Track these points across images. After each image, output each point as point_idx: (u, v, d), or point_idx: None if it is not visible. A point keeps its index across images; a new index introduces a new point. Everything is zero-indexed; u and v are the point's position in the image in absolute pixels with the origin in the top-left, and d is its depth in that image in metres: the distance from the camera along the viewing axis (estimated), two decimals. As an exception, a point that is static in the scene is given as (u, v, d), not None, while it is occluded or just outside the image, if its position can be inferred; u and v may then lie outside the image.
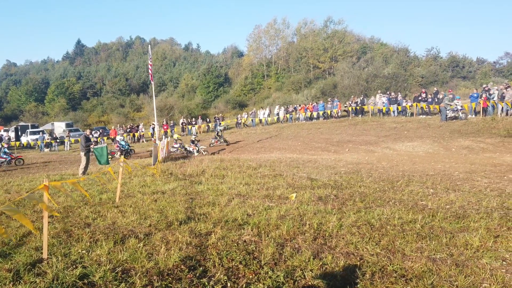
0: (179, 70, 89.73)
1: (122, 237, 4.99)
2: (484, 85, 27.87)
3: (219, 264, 3.94)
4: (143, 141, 34.23)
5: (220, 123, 32.25)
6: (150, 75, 19.18)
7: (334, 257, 4.13)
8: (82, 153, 13.43)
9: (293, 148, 20.93)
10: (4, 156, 21.08)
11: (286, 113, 36.99)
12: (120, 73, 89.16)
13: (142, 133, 35.43)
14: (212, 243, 4.58)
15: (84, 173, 13.08)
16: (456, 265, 3.86)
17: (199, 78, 76.75)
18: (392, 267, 3.85)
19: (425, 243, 4.54)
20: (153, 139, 28.42)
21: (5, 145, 27.40)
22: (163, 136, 26.72)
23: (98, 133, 35.70)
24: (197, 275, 3.72)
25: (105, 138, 34.55)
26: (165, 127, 35.01)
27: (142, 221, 5.81)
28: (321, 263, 3.97)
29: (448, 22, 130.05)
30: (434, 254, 4.18)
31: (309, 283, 3.53)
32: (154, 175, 10.77)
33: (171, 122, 39.19)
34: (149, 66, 18.86)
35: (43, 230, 4.33)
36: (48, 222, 4.93)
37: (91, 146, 14.20)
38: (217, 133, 26.05)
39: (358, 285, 3.46)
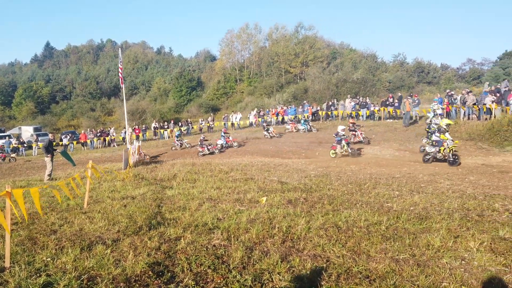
0: (151, 74, 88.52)
1: (89, 244, 4.88)
2: (447, 90, 28.79)
3: (188, 269, 3.91)
4: (114, 145, 33.57)
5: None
6: (120, 79, 18.86)
7: (301, 260, 4.17)
8: (47, 158, 13.06)
9: (264, 152, 21.00)
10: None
11: (259, 117, 37.08)
12: (90, 76, 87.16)
13: (113, 137, 34.75)
14: (181, 248, 4.54)
15: (50, 178, 12.72)
16: (418, 265, 3.96)
17: (171, 82, 75.94)
18: (357, 268, 3.92)
19: (389, 244, 4.64)
20: (131, 145, 27.62)
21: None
22: (135, 141, 26.22)
23: (68, 137, 34.78)
24: (165, 281, 3.68)
25: (74, 142, 33.69)
26: (137, 131, 34.49)
27: (111, 227, 5.70)
28: (288, 265, 4.00)
29: (414, 29, 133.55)
30: (397, 255, 4.28)
31: (276, 286, 3.55)
32: (124, 180, 10.60)
33: (143, 126, 38.64)
34: (120, 70, 18.55)
35: (5, 238, 4.19)
36: (12, 230, 4.78)
37: (56, 151, 13.85)
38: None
39: (324, 287, 3.50)
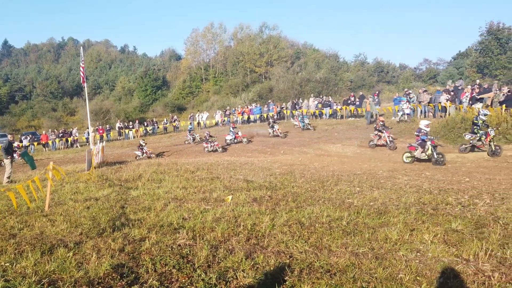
0: (115, 73, 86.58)
1: (51, 247, 4.74)
2: (405, 89, 29.70)
3: (152, 270, 3.88)
4: (77, 146, 32.62)
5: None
6: (82, 78, 18.32)
7: (265, 256, 4.21)
8: (7, 161, 12.57)
9: (230, 151, 21.01)
10: None
11: (225, 116, 37.00)
12: (52, 75, 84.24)
13: (76, 138, 33.75)
14: (146, 249, 4.50)
15: (9, 181, 12.23)
16: (376, 258, 4.09)
17: (136, 81, 74.52)
18: (319, 263, 4.00)
19: (350, 238, 4.76)
20: (94, 146, 26.59)
21: None
22: (98, 141, 25.53)
23: (28, 138, 33.48)
24: (129, 282, 3.63)
25: (35, 143, 32.49)
26: (100, 131, 33.65)
27: (73, 230, 5.56)
28: (253, 262, 4.04)
29: (375, 30, 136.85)
30: (357, 249, 4.40)
31: (241, 283, 3.58)
32: (87, 181, 10.33)
33: (107, 126, 37.74)
34: (81, 69, 18.02)
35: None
36: (-32, 235, 4.58)
37: (17, 152, 13.35)
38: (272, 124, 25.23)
39: (287, 282, 3.56)
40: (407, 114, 23.51)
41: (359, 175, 10.51)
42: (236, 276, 3.71)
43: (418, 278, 3.57)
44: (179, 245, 4.64)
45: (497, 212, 5.75)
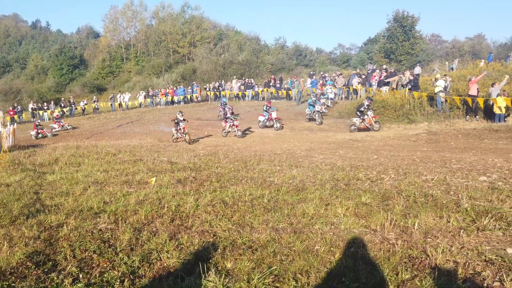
0: (26, 50, 79.15)
1: (-45, 239, 4.29)
2: (321, 73, 30.89)
3: (71, 256, 3.67)
4: (-16, 129, 29.62)
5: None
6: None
7: (189, 236, 4.19)
8: None
9: (154, 133, 20.45)
10: None
11: (147, 98, 35.75)
12: (-49, 51, 75.10)
13: (-18, 120, 30.61)
14: (64, 235, 4.24)
15: None
16: (295, 232, 4.26)
17: (50, 59, 68.64)
18: (242, 240, 4.07)
19: (271, 215, 4.89)
20: (4, 128, 23.99)
21: None
22: (9, 123, 23.41)
23: None
24: (46, 270, 3.41)
25: None
26: (11, 113, 30.87)
27: (-19, 218, 5.07)
28: (177, 243, 4.00)
29: (293, 14, 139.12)
30: (277, 225, 4.53)
31: (165, 264, 3.53)
32: (-3, 166, 9.46)
33: (19, 107, 34.68)
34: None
35: None
36: None
37: None
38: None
39: (210, 260, 3.58)
40: (331, 98, 24.07)
41: (279, 154, 10.80)
42: (160, 257, 3.65)
43: (332, 249, 3.78)
44: (100, 230, 4.44)
45: (400, 186, 6.25)
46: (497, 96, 15.91)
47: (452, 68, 30.75)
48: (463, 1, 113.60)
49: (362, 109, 17.25)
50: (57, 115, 27.76)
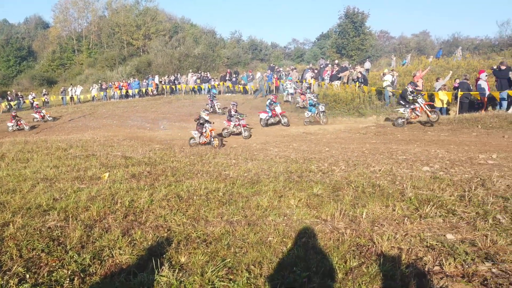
0: (-33, 40, 73.92)
1: None
2: (276, 67, 31.12)
3: (18, 256, 3.50)
4: None
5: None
6: None
7: (143, 232, 4.12)
8: None
9: (108, 127, 19.84)
10: None
11: (100, 91, 34.54)
12: None
13: None
14: (10, 234, 4.03)
15: None
16: (249, 224, 4.29)
17: (-5, 51, 64.54)
18: (196, 233, 4.06)
19: (225, 208, 4.90)
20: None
21: None
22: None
23: None
24: (-10, 272, 3.24)
25: None
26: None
27: None
28: (130, 239, 3.92)
29: (249, 8, 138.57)
30: (232, 217, 4.55)
31: (117, 260, 3.45)
32: None
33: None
34: None
35: None
36: None
37: None
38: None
39: (164, 255, 3.54)
40: (291, 94, 23.53)
41: (235, 148, 10.84)
42: (112, 254, 3.56)
43: (284, 239, 3.85)
44: (49, 228, 4.26)
45: (350, 177, 6.46)
46: (438, 90, 16.75)
47: (405, 63, 32.03)
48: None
49: (409, 95, 14.36)
50: (37, 104, 26.46)
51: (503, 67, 15.46)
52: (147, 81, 34.30)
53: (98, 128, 19.46)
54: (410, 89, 14.41)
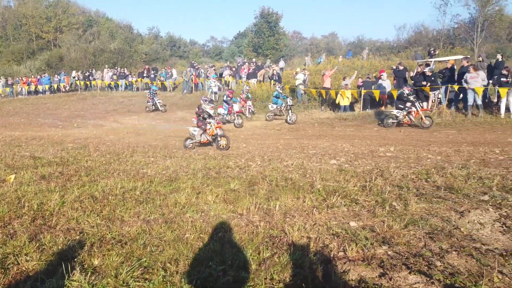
0: None
1: None
2: (195, 64, 30.78)
3: None
4: None
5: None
6: None
7: (53, 236, 3.84)
8: None
9: (15, 125, 18.12)
10: None
11: (6, 87, 31.32)
12: None
13: None
14: None
15: None
16: (166, 222, 4.21)
17: None
18: (111, 234, 3.88)
19: (142, 207, 4.75)
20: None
21: None
22: None
23: None
24: None
25: None
26: None
27: None
28: (38, 244, 3.62)
29: (167, 4, 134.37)
30: (149, 216, 4.43)
31: (23, 268, 3.18)
32: None
33: None
34: None
35: None
36: None
37: None
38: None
39: (76, 259, 3.34)
40: (215, 92, 22.21)
41: (154, 145, 10.53)
42: (18, 261, 3.27)
43: (201, 235, 3.83)
44: None
45: (265, 172, 6.63)
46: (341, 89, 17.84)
47: (320, 61, 33.58)
48: (318, 1, 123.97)
49: (405, 98, 13.68)
50: None
51: (401, 67, 16.94)
52: (59, 77, 31.83)
53: (4, 126, 17.68)
54: (406, 91, 13.74)
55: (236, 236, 3.82)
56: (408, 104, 13.41)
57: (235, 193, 5.32)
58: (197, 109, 11.02)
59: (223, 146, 10.13)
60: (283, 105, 16.49)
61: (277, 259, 3.30)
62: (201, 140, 10.73)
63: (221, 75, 25.23)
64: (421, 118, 13.16)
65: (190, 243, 3.63)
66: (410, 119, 13.47)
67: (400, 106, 13.75)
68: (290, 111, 16.13)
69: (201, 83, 25.82)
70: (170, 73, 28.01)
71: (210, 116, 10.88)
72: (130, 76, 30.63)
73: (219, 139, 10.33)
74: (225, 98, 16.76)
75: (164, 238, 3.77)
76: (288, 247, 3.52)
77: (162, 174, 6.65)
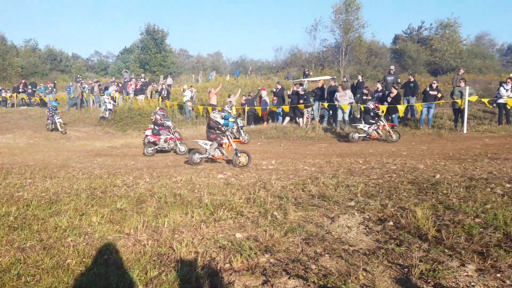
0: None
1: None
2: (79, 78, 28.79)
3: None
4: None
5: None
6: None
7: None
8: None
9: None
10: None
11: None
12: None
13: None
14: None
15: None
16: (44, 248, 3.85)
17: None
18: (-27, 269, 3.40)
19: (17, 234, 4.27)
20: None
21: None
22: None
23: None
24: None
25: None
26: None
27: None
28: None
29: (45, 16, 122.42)
30: (24, 244, 4.00)
31: None
32: None
33: None
34: None
35: None
36: None
37: None
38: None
39: None
40: (109, 109, 20.41)
41: (32, 166, 9.50)
42: None
43: (84, 259, 3.59)
44: None
45: (153, 189, 6.47)
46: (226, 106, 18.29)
47: (211, 78, 34.03)
48: (203, 20, 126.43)
49: (371, 112, 13.38)
50: None
51: (279, 87, 18.06)
52: None
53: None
54: (371, 106, 13.41)
55: (123, 257, 3.67)
56: (376, 118, 13.35)
57: (122, 212, 5.11)
58: (209, 121, 9.73)
59: (243, 164, 9.04)
60: (235, 127, 14.65)
61: (164, 277, 3.27)
62: (215, 155, 9.53)
63: (106, 88, 23.72)
64: (389, 132, 13.06)
65: (71, 269, 3.38)
66: (378, 133, 13.32)
67: (371, 121, 13.39)
68: (241, 131, 14.84)
69: (85, 99, 24.14)
70: (50, 88, 25.56)
71: (226, 128, 9.77)
72: (3, 91, 27.18)
73: (238, 155, 9.19)
74: (160, 119, 12.34)
75: (41, 266, 3.45)
76: (176, 264, 3.51)
77: (41, 197, 6.05)
